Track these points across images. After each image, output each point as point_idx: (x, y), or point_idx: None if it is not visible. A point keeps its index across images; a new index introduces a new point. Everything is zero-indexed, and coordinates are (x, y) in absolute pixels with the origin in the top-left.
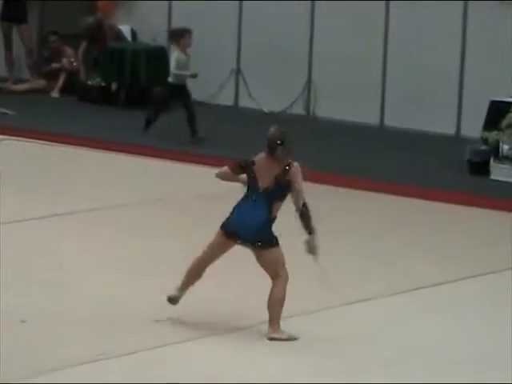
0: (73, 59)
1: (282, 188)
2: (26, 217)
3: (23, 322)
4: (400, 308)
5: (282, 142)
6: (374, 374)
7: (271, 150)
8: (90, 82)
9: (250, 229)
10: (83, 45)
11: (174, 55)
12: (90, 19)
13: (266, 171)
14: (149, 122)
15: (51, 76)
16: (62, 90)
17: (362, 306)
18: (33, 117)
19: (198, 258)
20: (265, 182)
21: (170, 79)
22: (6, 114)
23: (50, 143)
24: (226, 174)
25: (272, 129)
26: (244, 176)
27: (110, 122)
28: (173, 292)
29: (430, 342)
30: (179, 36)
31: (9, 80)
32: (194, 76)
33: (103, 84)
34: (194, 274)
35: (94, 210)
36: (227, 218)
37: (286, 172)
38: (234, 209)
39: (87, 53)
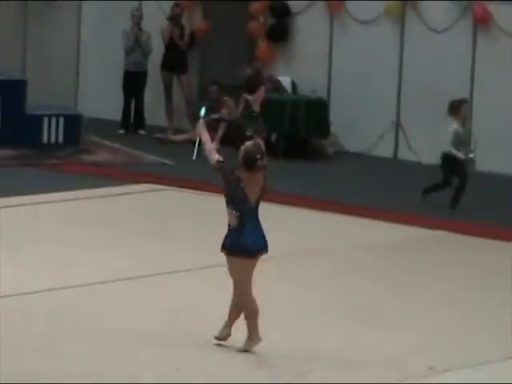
0: (232, 110)
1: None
2: (187, 267)
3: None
4: None
5: (262, 155)
6: None
7: (252, 165)
8: (249, 133)
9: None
10: (243, 96)
11: (453, 128)
12: (249, 70)
13: (252, 185)
14: (428, 191)
15: (211, 126)
16: (222, 141)
17: None
18: (192, 167)
19: (250, 298)
20: (253, 195)
21: (447, 151)
22: (165, 164)
23: (207, 193)
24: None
25: (248, 145)
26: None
27: (269, 172)
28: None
29: None
30: (457, 106)
31: (169, 130)
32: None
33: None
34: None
35: None
36: (246, 243)
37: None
38: (244, 231)
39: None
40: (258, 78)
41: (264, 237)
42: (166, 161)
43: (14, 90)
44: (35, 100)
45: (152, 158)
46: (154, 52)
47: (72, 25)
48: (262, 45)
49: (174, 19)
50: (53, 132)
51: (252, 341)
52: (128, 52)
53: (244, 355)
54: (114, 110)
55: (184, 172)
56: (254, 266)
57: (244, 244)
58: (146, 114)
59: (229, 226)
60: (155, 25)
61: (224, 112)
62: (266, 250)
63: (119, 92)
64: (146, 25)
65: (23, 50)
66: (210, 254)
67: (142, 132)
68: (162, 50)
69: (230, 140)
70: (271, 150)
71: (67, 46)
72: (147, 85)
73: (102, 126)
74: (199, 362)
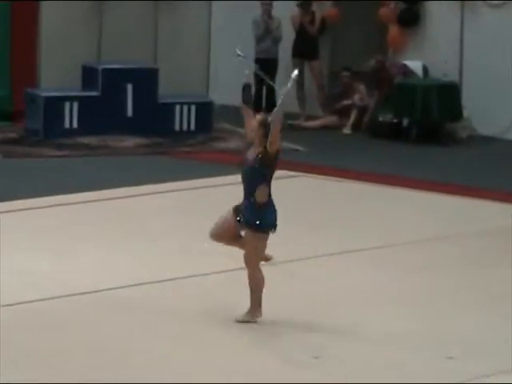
0: (364, 96)
1: None
2: (317, 253)
3: (316, 358)
4: None
5: None
6: None
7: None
8: (381, 119)
9: None
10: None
11: None
12: (372, 62)
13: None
14: None
15: (343, 112)
16: (354, 127)
17: None
18: (324, 153)
19: (260, 272)
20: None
21: None
22: (298, 150)
23: (340, 179)
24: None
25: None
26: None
27: (400, 158)
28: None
29: None
30: None
31: (301, 117)
32: None
33: (395, 120)
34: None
35: (383, 247)
36: (265, 218)
37: None
38: (270, 206)
39: (378, 90)
40: (382, 68)
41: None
42: (298, 147)
43: (146, 78)
44: (167, 88)
45: (285, 144)
46: (284, 39)
47: (203, 13)
48: (393, 30)
49: (304, 6)
50: (185, 120)
51: (251, 314)
52: (258, 40)
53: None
54: None
55: (316, 158)
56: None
57: (270, 221)
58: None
59: (253, 200)
60: (285, 12)
61: (356, 98)
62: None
63: None
64: (276, 12)
65: (155, 38)
66: (344, 239)
67: None
68: (293, 36)
69: (361, 126)
70: (403, 135)
71: (198, 35)
72: (278, 72)
73: (234, 114)
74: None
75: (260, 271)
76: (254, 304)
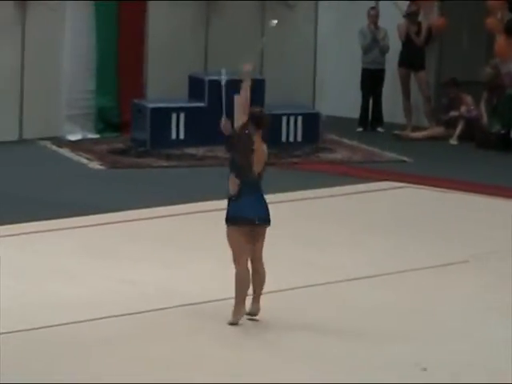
0: (472, 107)
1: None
2: (424, 264)
3: (424, 369)
4: None
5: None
6: None
7: (261, 122)
8: (491, 130)
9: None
10: (484, 94)
11: None
12: (488, 69)
13: (259, 156)
14: None
15: (450, 123)
16: (461, 138)
17: None
18: (431, 164)
19: (242, 269)
20: (258, 166)
21: None
22: (404, 161)
23: (446, 190)
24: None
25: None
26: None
27: (508, 169)
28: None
29: None
30: None
31: (407, 127)
32: None
33: (502, 131)
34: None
35: (489, 257)
36: (242, 214)
37: None
38: (242, 202)
39: (488, 101)
40: (497, 75)
41: (262, 209)
42: (404, 158)
43: (253, 88)
44: (273, 99)
45: (390, 155)
46: (390, 49)
47: (309, 24)
48: (500, 40)
49: (411, 16)
50: (291, 131)
51: (235, 312)
52: (365, 50)
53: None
54: (352, 108)
55: (423, 169)
56: (247, 235)
57: (240, 215)
58: (384, 112)
59: (229, 196)
60: (392, 22)
61: (463, 109)
62: (264, 221)
63: (357, 90)
64: (383, 22)
65: (261, 49)
66: (452, 250)
67: (380, 129)
68: (399, 47)
69: (469, 137)
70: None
71: (305, 45)
72: (385, 82)
73: (341, 124)
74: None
75: (243, 269)
76: (237, 303)
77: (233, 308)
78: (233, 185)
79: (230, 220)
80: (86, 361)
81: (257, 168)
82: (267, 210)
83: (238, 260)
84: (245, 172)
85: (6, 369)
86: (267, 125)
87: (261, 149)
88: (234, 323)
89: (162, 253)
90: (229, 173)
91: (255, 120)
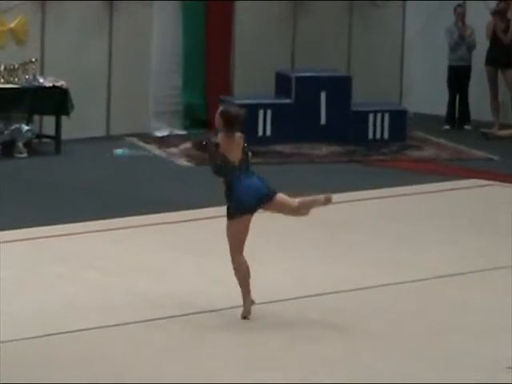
0: None
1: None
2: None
3: (510, 368)
4: None
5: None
6: None
7: (238, 125)
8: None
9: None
10: None
11: None
12: None
13: (231, 149)
14: None
15: None
16: None
17: None
18: None
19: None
20: (236, 157)
21: None
22: (491, 159)
23: None
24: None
25: (232, 107)
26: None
27: None
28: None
29: None
30: None
31: (494, 125)
32: None
33: None
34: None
35: None
36: (236, 204)
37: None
38: (233, 194)
39: None
40: None
41: (256, 196)
42: (492, 156)
43: (340, 86)
44: (360, 96)
45: (478, 153)
46: (477, 47)
47: (397, 22)
48: None
49: (499, 14)
50: (378, 128)
51: (245, 306)
52: (452, 47)
53: None
54: (439, 106)
55: (511, 167)
56: (243, 226)
57: (234, 205)
58: (471, 109)
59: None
60: (479, 19)
61: None
62: (267, 198)
63: (444, 87)
64: (470, 20)
65: (348, 46)
66: None
67: (467, 127)
68: (487, 44)
69: None
70: None
71: (392, 43)
72: (472, 79)
73: (428, 122)
74: None
75: (244, 260)
76: (245, 294)
77: (243, 301)
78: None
79: (231, 215)
80: (195, 350)
81: (233, 157)
82: (266, 185)
83: (238, 251)
84: (227, 168)
85: (101, 362)
86: (241, 123)
87: (228, 140)
88: (247, 316)
89: (251, 249)
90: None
91: (230, 121)
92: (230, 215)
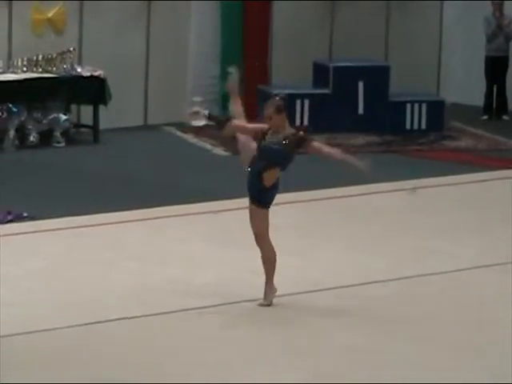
0: None
1: None
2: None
3: None
4: None
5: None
6: None
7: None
8: None
9: None
10: None
11: None
12: None
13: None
14: None
15: None
16: None
17: None
18: None
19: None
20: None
21: None
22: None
23: None
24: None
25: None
26: None
27: None
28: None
29: None
30: None
31: None
32: None
33: None
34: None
35: None
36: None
37: None
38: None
39: None
40: None
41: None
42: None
43: (378, 76)
44: (398, 86)
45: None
46: None
47: (435, 11)
48: None
49: None
50: (416, 118)
51: (269, 292)
52: (490, 37)
53: None
54: (476, 96)
55: None
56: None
57: (272, 198)
58: (509, 99)
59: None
60: None
61: None
62: None
63: (482, 78)
64: (508, 9)
65: (386, 35)
66: None
67: (505, 117)
68: None
69: None
70: None
71: (430, 32)
72: (510, 70)
73: (465, 112)
74: None
75: (272, 247)
76: (270, 281)
77: (266, 289)
78: (274, 177)
79: (268, 204)
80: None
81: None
82: None
83: (267, 239)
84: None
85: (132, 350)
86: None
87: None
88: (269, 304)
89: (291, 241)
90: (266, 167)
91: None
92: (264, 204)
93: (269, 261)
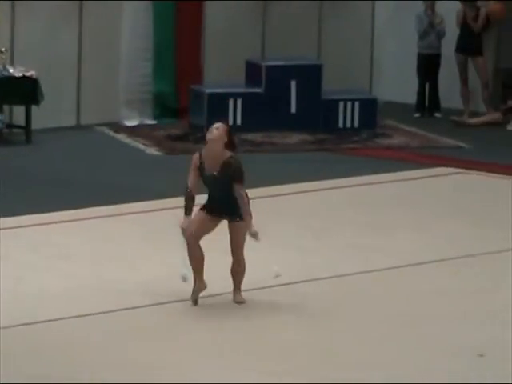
0: None
1: None
2: (481, 251)
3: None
4: None
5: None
6: None
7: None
8: None
9: None
10: None
11: None
12: None
13: None
14: None
15: (508, 110)
16: None
17: None
18: (488, 150)
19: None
20: None
21: None
22: (461, 147)
23: (504, 176)
24: None
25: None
26: None
27: None
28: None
29: None
30: None
31: (465, 113)
32: None
33: None
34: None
35: None
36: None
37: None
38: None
39: None
40: None
41: None
42: (462, 144)
43: (310, 74)
44: (331, 85)
45: (448, 141)
46: (447, 34)
47: (366, 9)
48: None
49: (469, 1)
50: (348, 116)
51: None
52: (422, 35)
53: None
54: (409, 94)
55: (480, 155)
56: None
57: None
58: (441, 97)
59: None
60: (448, 7)
61: None
62: None
63: (414, 75)
64: (439, 7)
65: (318, 34)
66: (506, 237)
67: (437, 115)
68: (457, 32)
69: None
70: None
71: (362, 31)
72: (441, 67)
73: (398, 110)
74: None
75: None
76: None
77: (236, 293)
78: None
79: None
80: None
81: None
82: None
83: (243, 250)
84: None
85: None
86: None
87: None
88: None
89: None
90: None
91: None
92: (242, 217)
93: (243, 271)
